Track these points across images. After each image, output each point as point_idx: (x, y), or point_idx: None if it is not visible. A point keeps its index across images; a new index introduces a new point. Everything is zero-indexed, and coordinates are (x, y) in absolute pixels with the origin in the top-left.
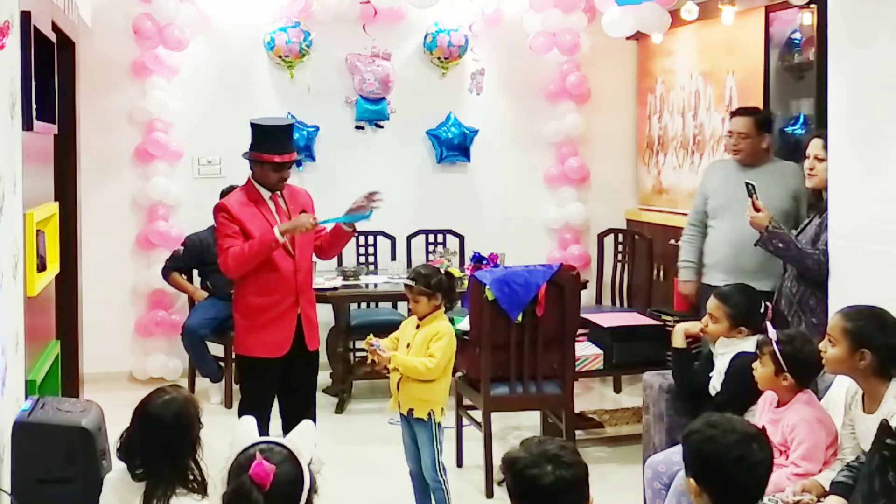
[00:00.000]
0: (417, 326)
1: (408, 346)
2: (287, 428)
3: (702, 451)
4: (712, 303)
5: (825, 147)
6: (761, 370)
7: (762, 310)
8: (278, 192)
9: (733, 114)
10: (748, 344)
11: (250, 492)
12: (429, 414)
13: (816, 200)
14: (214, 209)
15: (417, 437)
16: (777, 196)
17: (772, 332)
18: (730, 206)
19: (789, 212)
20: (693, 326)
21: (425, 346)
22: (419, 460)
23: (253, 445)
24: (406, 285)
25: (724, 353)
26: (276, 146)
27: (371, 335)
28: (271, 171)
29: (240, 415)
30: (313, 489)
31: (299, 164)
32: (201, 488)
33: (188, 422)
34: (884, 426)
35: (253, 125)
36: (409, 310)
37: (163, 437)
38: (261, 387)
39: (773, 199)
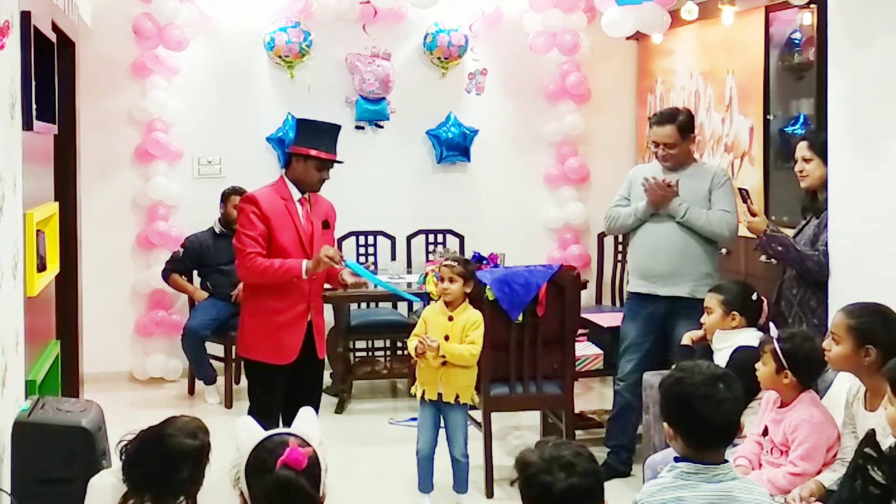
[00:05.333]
0: (450, 318)
1: (446, 337)
2: None
3: (671, 392)
4: (707, 297)
5: (810, 147)
6: (763, 369)
7: (755, 298)
8: (306, 196)
9: (653, 122)
10: (746, 337)
11: (292, 479)
12: (456, 397)
13: (811, 202)
14: (242, 199)
15: (450, 421)
16: (695, 201)
17: (773, 330)
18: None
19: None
20: (698, 332)
21: (463, 334)
22: (434, 443)
23: (266, 439)
24: (446, 265)
25: (721, 349)
26: (323, 143)
27: (426, 335)
28: (314, 168)
29: None
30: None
31: None
32: None
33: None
34: (869, 435)
35: (299, 120)
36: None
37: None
38: (270, 394)
39: (690, 202)
